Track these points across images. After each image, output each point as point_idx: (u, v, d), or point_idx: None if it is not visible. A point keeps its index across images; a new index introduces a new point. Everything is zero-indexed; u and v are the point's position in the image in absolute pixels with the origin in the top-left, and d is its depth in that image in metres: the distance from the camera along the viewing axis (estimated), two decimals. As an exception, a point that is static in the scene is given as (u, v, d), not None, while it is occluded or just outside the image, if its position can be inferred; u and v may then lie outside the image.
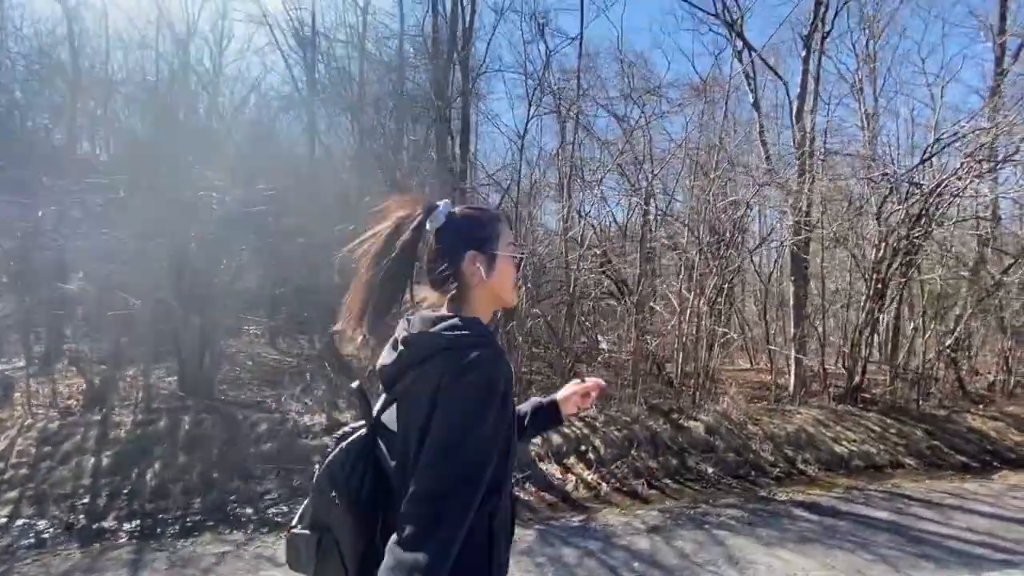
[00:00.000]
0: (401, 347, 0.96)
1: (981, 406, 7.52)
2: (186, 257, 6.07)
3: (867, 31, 11.54)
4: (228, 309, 8.61)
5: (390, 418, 0.97)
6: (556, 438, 5.17)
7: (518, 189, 7.00)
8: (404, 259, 0.99)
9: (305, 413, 5.38)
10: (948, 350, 7.68)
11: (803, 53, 7.34)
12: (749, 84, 7.64)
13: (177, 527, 3.80)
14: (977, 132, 5.67)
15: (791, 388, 7.63)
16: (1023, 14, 9.90)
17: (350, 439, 1.01)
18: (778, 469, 5.41)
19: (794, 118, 7.27)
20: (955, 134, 5.88)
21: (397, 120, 7.03)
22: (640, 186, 7.78)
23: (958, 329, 7.93)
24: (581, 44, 7.61)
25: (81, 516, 3.87)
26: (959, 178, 5.75)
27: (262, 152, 7.07)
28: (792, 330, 7.74)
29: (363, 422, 1.03)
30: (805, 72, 7.37)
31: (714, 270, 6.92)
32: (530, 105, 6.69)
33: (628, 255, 8.09)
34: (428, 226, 1.01)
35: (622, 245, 8.92)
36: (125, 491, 4.15)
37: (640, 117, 7.40)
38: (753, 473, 5.34)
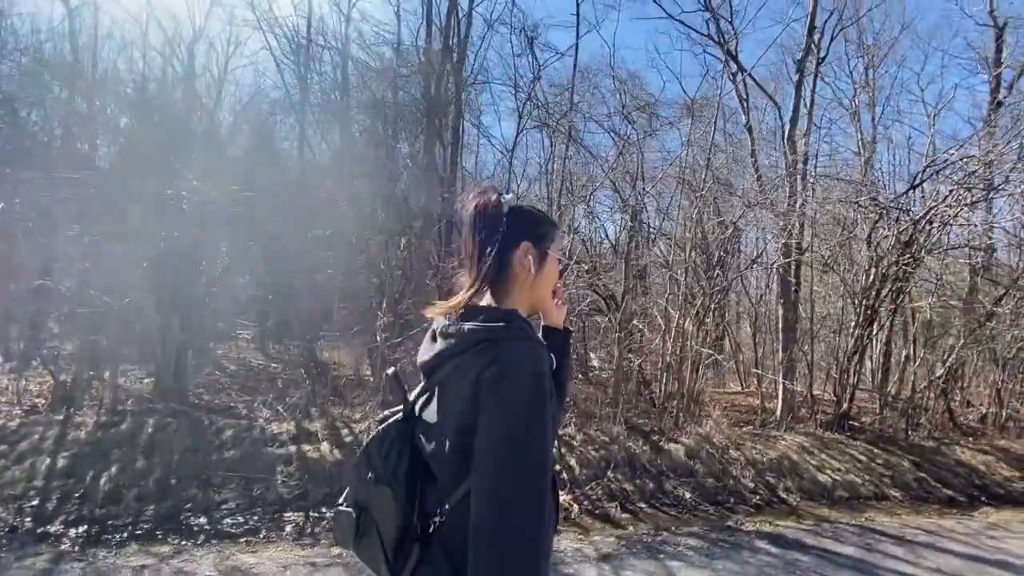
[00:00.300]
0: (440, 338, 0.98)
1: (971, 439, 7.36)
2: (166, 258, 6.01)
3: (865, 59, 11.65)
4: (212, 312, 8.54)
5: (428, 408, 1.00)
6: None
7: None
8: (491, 237, 1.00)
9: (274, 420, 5.25)
10: (939, 380, 7.55)
11: (795, 77, 7.35)
12: (742, 105, 7.64)
13: (124, 534, 3.65)
14: (965, 160, 5.63)
15: (778, 413, 7.49)
16: (1019, 47, 9.97)
17: (387, 423, 1.03)
18: (758, 496, 5.26)
19: (786, 141, 7.26)
20: (944, 161, 5.83)
21: (387, 128, 7.03)
22: (630, 203, 7.74)
23: (950, 359, 7.80)
24: (576, 58, 7.64)
25: (27, 519, 3.73)
26: (949, 206, 5.69)
27: (250, 156, 7.07)
28: (780, 354, 7.62)
29: (400, 408, 1.05)
30: (798, 96, 7.38)
31: (702, 290, 6.83)
32: (520, 118, 6.67)
33: (618, 271, 8.01)
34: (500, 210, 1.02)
35: (612, 262, 8.85)
36: (77, 495, 4.01)
37: (631, 133, 7.38)
38: (732, 500, 5.18)
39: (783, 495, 5.38)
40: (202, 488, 4.23)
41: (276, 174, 7.18)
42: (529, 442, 0.85)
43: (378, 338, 6.07)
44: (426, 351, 1.01)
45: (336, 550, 3.43)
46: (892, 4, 12.39)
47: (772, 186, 6.70)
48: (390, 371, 1.10)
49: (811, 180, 6.90)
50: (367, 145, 7.11)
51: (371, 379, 6.35)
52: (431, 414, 0.98)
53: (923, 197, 6.46)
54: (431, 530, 0.94)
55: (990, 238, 7.77)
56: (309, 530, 3.92)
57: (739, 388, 10.03)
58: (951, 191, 5.66)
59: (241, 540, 3.71)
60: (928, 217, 5.86)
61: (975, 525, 4.54)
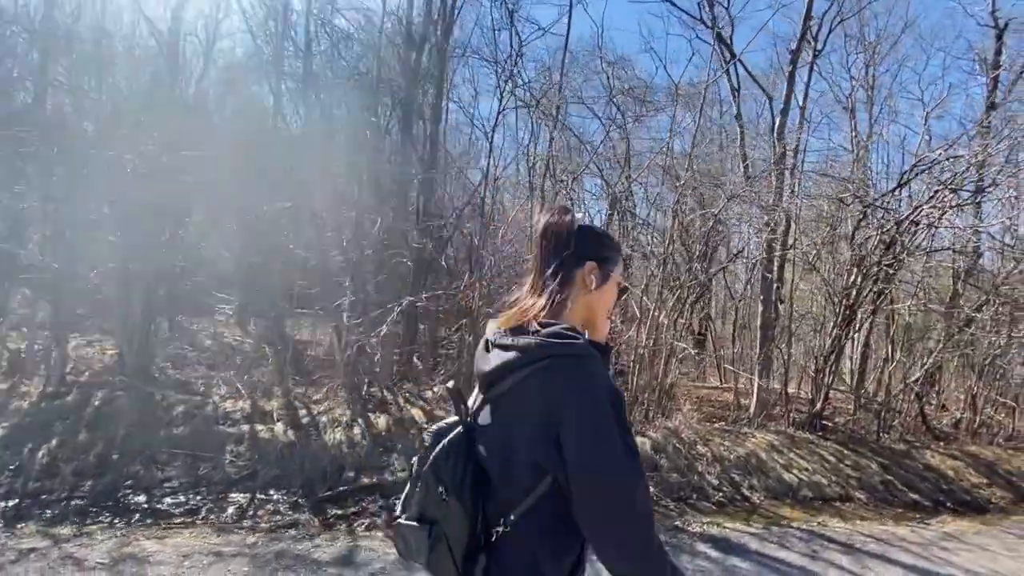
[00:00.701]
0: (498, 350, 1.00)
1: (943, 444, 7.34)
2: (133, 227, 5.77)
3: (865, 55, 11.42)
4: (193, 285, 8.33)
5: (486, 418, 1.02)
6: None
7: (486, 181, 6.75)
8: (558, 253, 1.04)
9: (229, 398, 5.10)
10: (914, 384, 7.50)
11: (788, 68, 7.15)
12: (733, 95, 7.44)
13: (56, 511, 3.51)
14: (952, 160, 5.49)
15: (752, 410, 7.43)
16: (1018, 50, 9.79)
17: (449, 436, 1.04)
18: (721, 494, 5.19)
19: (775, 133, 7.09)
20: (932, 161, 5.69)
21: (365, 100, 6.77)
22: (613, 189, 7.55)
23: (927, 363, 7.76)
24: (568, 36, 7.36)
25: (-46, 491, 3.58)
26: (934, 207, 5.56)
27: (223, 123, 6.82)
28: (757, 351, 7.54)
29: (456, 419, 1.06)
30: (790, 87, 7.18)
31: (679, 283, 6.70)
32: (501, 96, 6.45)
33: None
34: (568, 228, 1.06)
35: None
36: (12, 467, 3.86)
37: (617, 116, 7.17)
38: (694, 496, 5.11)
39: (747, 493, 5.32)
40: (145, 465, 4.09)
41: (250, 143, 6.92)
42: (617, 472, 0.89)
43: (344, 318, 5.90)
44: (484, 361, 1.03)
45: (251, 539, 3.31)
46: (895, 0, 12.13)
47: (756, 179, 6.53)
48: (450, 384, 1.10)
49: (798, 175, 6.74)
50: (343, 118, 6.87)
51: (338, 360, 6.20)
52: (490, 425, 1.01)
53: (909, 197, 6.33)
54: (494, 539, 0.97)
55: (976, 243, 7.68)
56: (252, 512, 3.80)
57: (719, 384, 10.00)
58: (936, 192, 5.54)
59: (178, 520, 3.59)
60: (912, 218, 5.73)
61: (929, 534, 4.41)
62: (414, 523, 1.03)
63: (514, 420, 0.95)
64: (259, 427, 4.67)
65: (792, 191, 6.80)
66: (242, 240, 7.47)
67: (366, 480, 4.35)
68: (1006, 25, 9.23)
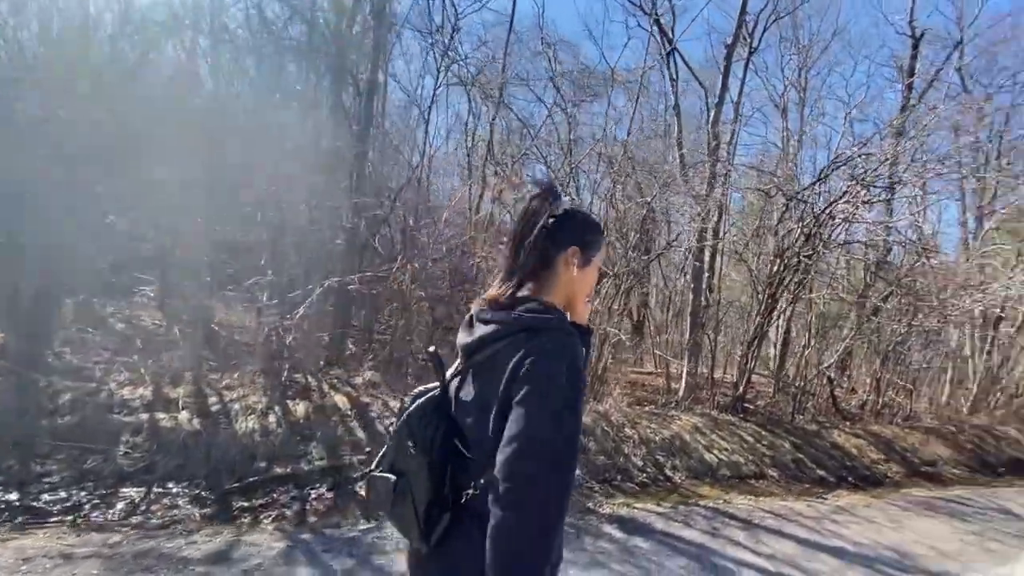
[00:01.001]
0: (479, 323, 1.05)
1: (849, 423, 7.91)
2: (30, 197, 5.13)
3: (799, 58, 11.94)
4: (108, 264, 7.61)
5: (465, 387, 1.07)
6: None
7: (422, 161, 6.52)
8: (524, 234, 1.08)
9: (128, 384, 4.68)
10: (827, 369, 8.02)
11: (723, 63, 7.33)
12: (672, 86, 7.56)
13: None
14: (864, 156, 5.84)
15: (680, 394, 7.69)
16: (932, 59, 10.51)
17: (426, 396, 1.09)
18: (645, 475, 5.33)
19: (709, 125, 7.27)
20: (848, 158, 6.03)
21: (293, 66, 6.35)
22: (556, 175, 7.51)
23: (839, 349, 8.31)
24: (512, 17, 7.19)
25: None
26: (847, 202, 5.90)
27: (130, 83, 6.17)
28: (687, 337, 7.80)
29: (437, 384, 1.11)
30: (725, 81, 7.36)
31: (616, 270, 6.77)
32: (437, 72, 6.21)
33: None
34: (551, 211, 1.08)
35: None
36: None
37: (559, 100, 7.10)
38: (619, 477, 5.22)
39: (669, 473, 5.50)
40: (20, 458, 3.67)
41: (166, 108, 6.32)
42: (559, 434, 0.91)
43: (266, 297, 5.56)
44: (466, 334, 1.08)
45: (116, 537, 3.04)
46: (828, 5, 12.74)
47: (690, 169, 6.67)
48: (431, 349, 1.14)
49: (727, 167, 6.95)
50: (269, 85, 6.40)
51: (257, 344, 5.84)
52: (468, 393, 1.05)
53: (828, 193, 6.68)
54: (463, 501, 1.00)
55: (887, 237, 8.26)
56: (145, 507, 3.50)
57: (653, 369, 10.32)
58: (848, 187, 5.87)
59: (54, 519, 3.24)
60: (829, 211, 6.06)
61: (824, 508, 4.70)
62: (386, 474, 1.08)
63: (488, 388, 0.99)
64: (160, 415, 4.31)
65: (723, 183, 7.00)
66: (156, 215, 6.87)
67: (279, 470, 4.12)
68: (922, 35, 9.88)
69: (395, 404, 5.14)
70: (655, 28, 7.43)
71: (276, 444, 4.34)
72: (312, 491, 4.03)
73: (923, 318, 7.43)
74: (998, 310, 8.48)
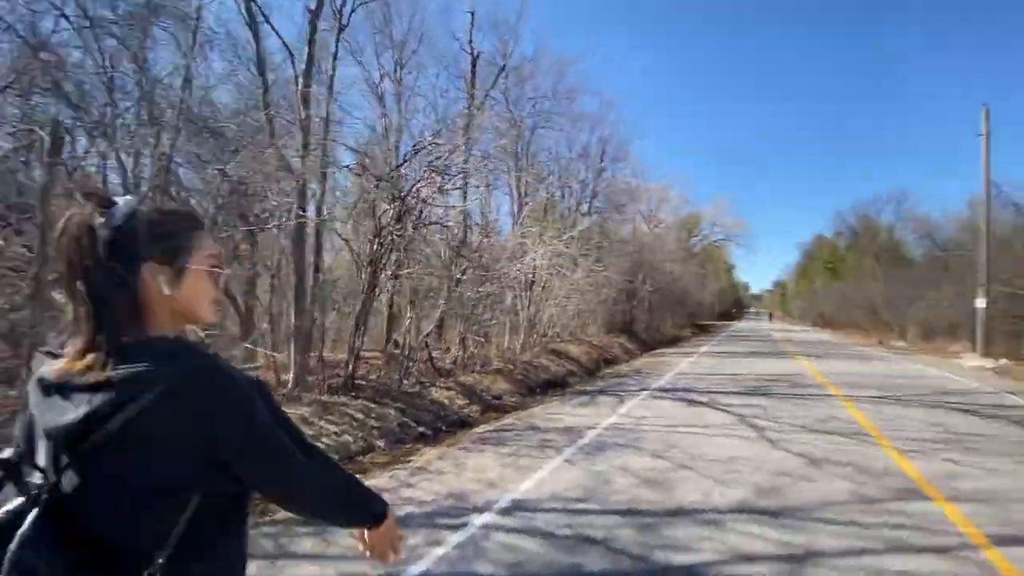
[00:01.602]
0: (78, 393, 0.78)
1: (444, 379, 9.24)
2: None
3: (394, 52, 12.83)
4: None
5: (73, 479, 0.79)
6: None
7: None
8: (71, 269, 0.80)
9: None
10: (426, 336, 9.10)
11: (307, 33, 6.98)
12: (254, 39, 6.67)
13: None
14: (432, 145, 6.74)
15: (290, 385, 7.17)
16: (484, 76, 13.14)
17: (26, 525, 0.74)
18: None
19: (299, 97, 6.81)
20: (423, 146, 6.82)
21: None
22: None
23: (435, 317, 9.56)
24: None
25: None
26: (426, 186, 6.65)
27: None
28: (293, 322, 7.29)
29: (20, 501, 0.77)
30: (311, 49, 7.03)
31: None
32: None
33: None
34: (99, 228, 0.80)
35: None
36: None
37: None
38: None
39: (270, 477, 4.92)
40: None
41: None
42: (270, 440, 0.85)
43: None
44: (56, 412, 0.78)
45: None
46: (415, 13, 14.17)
47: (279, 140, 6.08)
48: (4, 455, 0.81)
49: (323, 141, 6.72)
50: None
51: None
52: (91, 482, 0.78)
53: (414, 178, 7.37)
54: None
55: (463, 222, 9.93)
56: None
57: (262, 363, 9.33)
58: (425, 172, 6.65)
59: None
60: (412, 194, 6.67)
61: (403, 475, 4.78)
62: None
63: (137, 461, 0.77)
64: None
65: (321, 158, 6.71)
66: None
67: None
68: (477, 55, 12.23)
69: None
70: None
71: None
72: None
73: (489, 285, 9.31)
74: (531, 275, 11.57)
